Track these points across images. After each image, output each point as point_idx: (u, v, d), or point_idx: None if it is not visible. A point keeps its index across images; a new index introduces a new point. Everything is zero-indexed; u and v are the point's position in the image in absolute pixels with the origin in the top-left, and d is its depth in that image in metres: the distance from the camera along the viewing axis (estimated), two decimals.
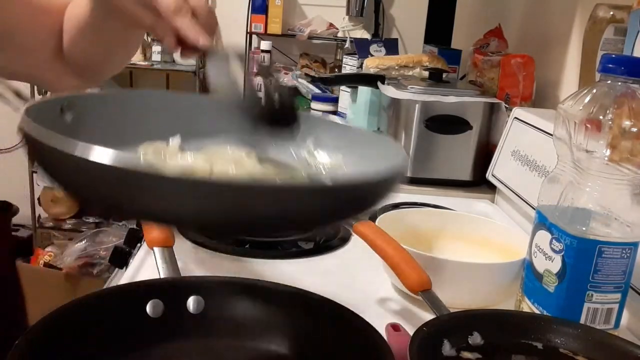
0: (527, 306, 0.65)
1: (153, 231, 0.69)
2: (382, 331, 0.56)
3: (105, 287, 0.67)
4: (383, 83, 1.22)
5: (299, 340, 0.56)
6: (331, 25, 2.54)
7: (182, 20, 0.54)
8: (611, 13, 0.86)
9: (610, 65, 0.57)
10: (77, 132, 0.47)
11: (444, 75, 1.25)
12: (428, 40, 1.73)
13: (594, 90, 0.58)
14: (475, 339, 0.55)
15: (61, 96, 0.50)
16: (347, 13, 2.48)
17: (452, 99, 1.11)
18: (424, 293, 0.64)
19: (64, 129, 0.45)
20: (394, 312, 0.71)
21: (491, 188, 1.13)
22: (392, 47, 1.62)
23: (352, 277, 0.78)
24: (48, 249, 2.39)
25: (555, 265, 0.60)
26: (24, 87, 2.38)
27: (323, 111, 1.55)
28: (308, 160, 0.55)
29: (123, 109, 0.56)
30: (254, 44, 2.58)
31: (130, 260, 0.80)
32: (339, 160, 0.54)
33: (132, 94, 0.63)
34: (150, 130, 0.56)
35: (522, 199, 0.94)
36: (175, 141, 0.57)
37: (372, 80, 1.26)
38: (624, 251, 0.58)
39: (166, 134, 0.56)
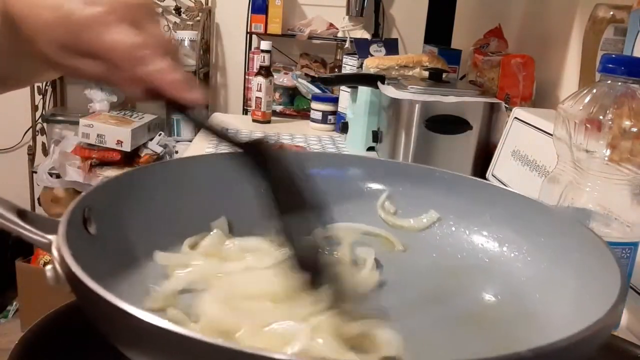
0: None
1: None
2: None
3: None
4: (383, 83, 1.22)
5: None
6: (331, 25, 2.54)
7: (152, 68, 0.40)
8: (611, 13, 0.86)
9: (610, 65, 0.57)
10: (107, 248, 0.41)
11: (444, 75, 1.25)
12: (428, 40, 1.73)
13: (594, 90, 0.58)
14: None
15: (79, 202, 0.40)
16: (347, 13, 2.48)
17: (452, 99, 1.11)
18: None
19: (97, 251, 0.40)
20: None
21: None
22: (392, 47, 1.61)
23: None
24: None
25: None
26: None
27: (323, 111, 1.55)
28: None
29: (146, 196, 0.48)
30: (254, 44, 2.58)
31: None
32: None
33: (151, 169, 0.51)
34: (187, 216, 0.49)
35: None
36: (219, 228, 0.49)
37: (372, 80, 1.26)
38: (624, 251, 0.58)
39: (207, 218, 0.49)
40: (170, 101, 0.41)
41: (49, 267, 0.35)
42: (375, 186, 0.56)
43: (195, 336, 0.27)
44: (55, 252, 0.35)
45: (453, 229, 0.51)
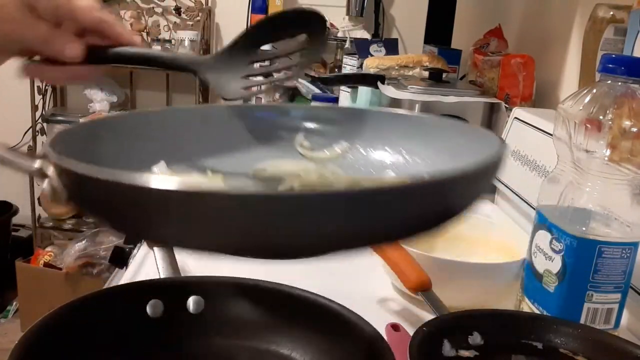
0: (527, 306, 0.65)
1: None
2: (382, 331, 0.56)
3: (105, 287, 0.67)
4: (383, 83, 1.22)
5: (299, 340, 0.57)
6: (331, 25, 2.54)
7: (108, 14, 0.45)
8: (611, 13, 0.86)
9: (610, 65, 0.57)
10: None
11: (444, 75, 1.25)
12: (428, 40, 1.73)
13: (594, 90, 0.58)
14: (475, 338, 0.54)
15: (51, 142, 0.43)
16: (347, 13, 2.48)
17: (452, 99, 1.11)
18: (425, 293, 0.64)
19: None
20: (394, 312, 0.71)
21: (491, 188, 1.12)
22: (392, 47, 1.62)
23: (351, 277, 0.78)
24: (48, 249, 2.39)
25: (555, 265, 0.60)
26: None
27: None
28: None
29: (102, 145, 0.51)
30: None
31: (131, 260, 0.80)
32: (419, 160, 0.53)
33: (108, 122, 0.56)
34: (136, 163, 0.52)
35: (522, 199, 0.94)
36: (161, 167, 0.54)
37: (372, 80, 1.26)
38: (624, 251, 0.58)
39: (149, 161, 0.53)
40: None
41: (44, 184, 0.37)
42: (292, 128, 0.63)
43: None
44: (49, 165, 0.37)
45: (362, 152, 0.58)
